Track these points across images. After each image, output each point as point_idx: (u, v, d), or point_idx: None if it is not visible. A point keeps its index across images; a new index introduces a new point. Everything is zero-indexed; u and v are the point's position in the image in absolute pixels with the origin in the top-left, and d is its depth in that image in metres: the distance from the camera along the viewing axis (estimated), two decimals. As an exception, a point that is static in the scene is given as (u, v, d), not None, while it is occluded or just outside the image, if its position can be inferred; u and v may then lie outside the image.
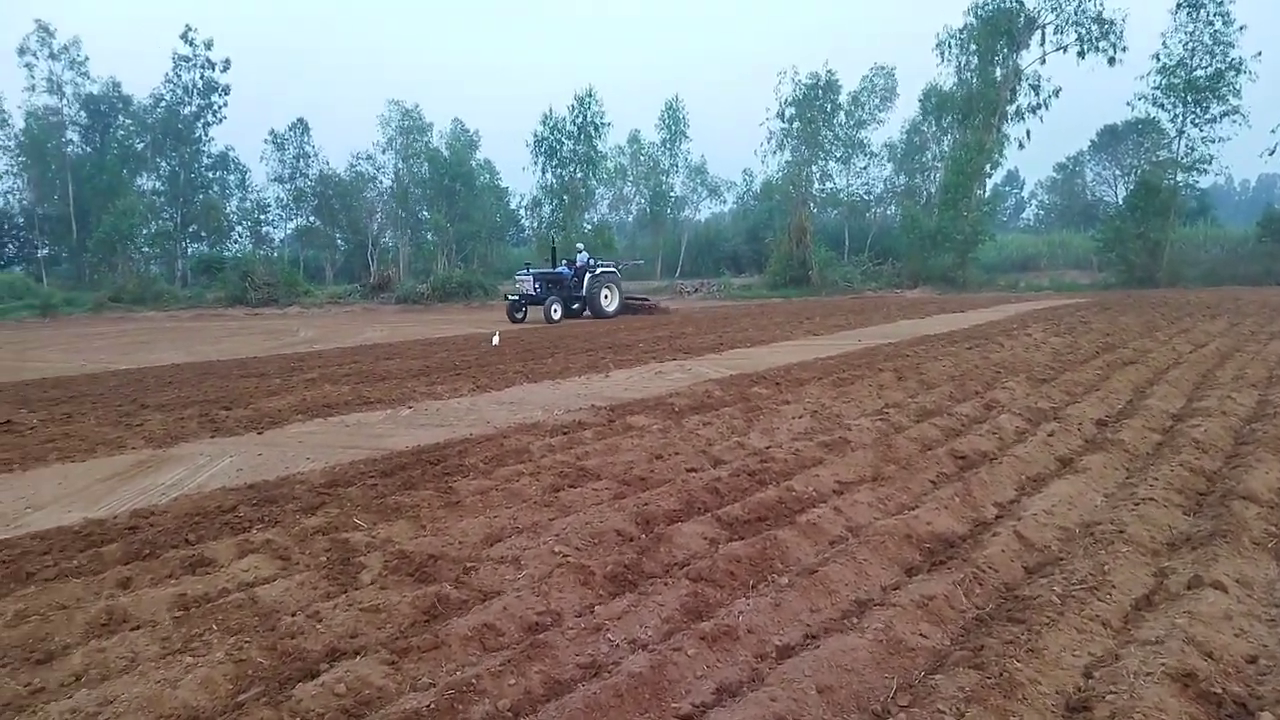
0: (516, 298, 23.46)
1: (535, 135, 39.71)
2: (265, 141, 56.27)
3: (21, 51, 44.73)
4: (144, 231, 44.64)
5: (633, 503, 5.06)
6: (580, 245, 26.67)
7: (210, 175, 53.99)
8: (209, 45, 47.74)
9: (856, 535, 4.48)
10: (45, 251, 50.15)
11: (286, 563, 4.23)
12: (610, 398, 9.37)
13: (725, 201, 65.98)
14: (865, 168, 49.39)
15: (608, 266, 25.06)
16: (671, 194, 59.11)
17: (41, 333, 25.42)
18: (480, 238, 54.49)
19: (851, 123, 46.56)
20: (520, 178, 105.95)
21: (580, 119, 39.37)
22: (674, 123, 55.75)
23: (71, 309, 33.54)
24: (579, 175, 40.53)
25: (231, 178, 56.36)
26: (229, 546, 4.43)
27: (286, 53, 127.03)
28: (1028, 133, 39.42)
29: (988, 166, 39.62)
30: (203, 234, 53.79)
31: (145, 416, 8.76)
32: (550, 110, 39.29)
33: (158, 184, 51.28)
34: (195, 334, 23.38)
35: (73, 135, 49.06)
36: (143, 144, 50.60)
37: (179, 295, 38.66)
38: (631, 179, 61.94)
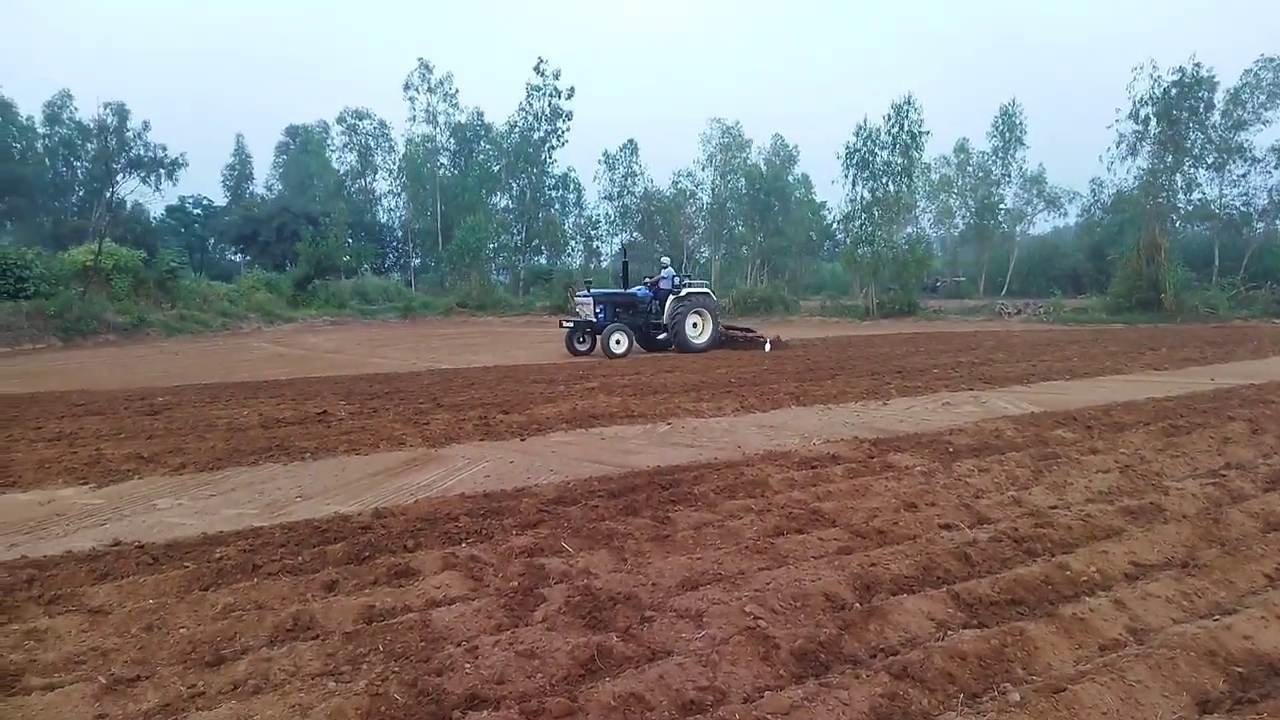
0: (572, 324, 18.90)
1: (847, 147, 38.51)
2: (599, 162, 60.70)
3: (406, 87, 52.24)
4: (491, 245, 49.96)
5: (858, 561, 4.37)
6: (665, 260, 20.98)
7: (553, 194, 59.26)
8: (557, 75, 52.36)
9: (1139, 642, 3.45)
10: (417, 261, 58.08)
11: (477, 584, 4.14)
12: (879, 429, 8.51)
13: (1066, 214, 59.57)
14: (1244, 175, 41.76)
15: (698, 287, 19.56)
16: (1001, 206, 54.61)
17: (398, 331, 29.33)
18: (791, 252, 54.23)
19: (1229, 123, 39.62)
20: (834, 191, 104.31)
21: (897, 128, 37.50)
22: (1009, 129, 51.48)
23: (427, 311, 38.41)
24: (892, 188, 38.60)
25: (570, 196, 61.49)
26: (435, 559, 4.45)
27: (618, 74, 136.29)
28: None
29: None
30: (543, 247, 59.08)
31: (434, 415, 9.48)
32: (864, 120, 37.90)
33: (509, 202, 57.32)
34: (518, 338, 25.52)
35: (443, 159, 56.37)
36: (498, 166, 56.88)
37: (514, 302, 42.74)
38: (957, 190, 58.19)
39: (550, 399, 10.81)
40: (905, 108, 37.41)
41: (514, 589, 4.04)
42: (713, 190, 55.52)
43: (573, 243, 62.18)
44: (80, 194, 52.97)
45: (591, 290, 19.19)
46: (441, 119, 54.57)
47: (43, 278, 24.10)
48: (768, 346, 18.66)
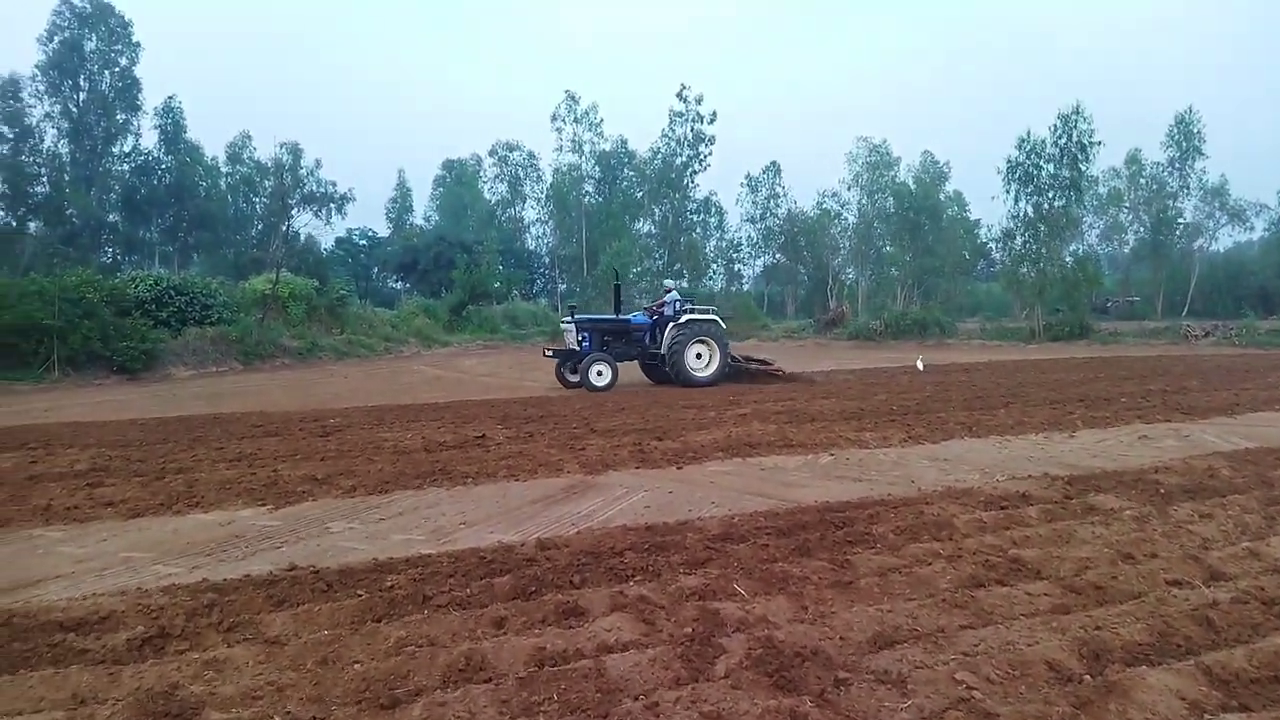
0: (553, 354, 17.34)
1: (1009, 161, 36.56)
2: (741, 185, 60.60)
3: (553, 118, 53.92)
4: (634, 269, 50.54)
5: (1079, 622, 3.83)
6: (669, 283, 18.96)
7: (694, 218, 59.51)
8: (699, 100, 52.75)
9: None
10: (563, 286, 59.55)
11: (650, 628, 3.87)
12: (1071, 465, 7.73)
13: (1252, 228, 54.45)
14: None
15: (704, 314, 17.04)
16: (1180, 220, 50.50)
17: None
18: (943, 272, 52.05)
19: None
20: (990, 208, 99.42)
21: (1064, 139, 35.29)
22: (1185, 138, 47.64)
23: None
24: (1060, 203, 36.31)
25: (712, 220, 61.56)
26: (603, 597, 4.23)
27: (760, 94, 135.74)
28: None
29: None
30: (684, 271, 59.28)
31: (589, 441, 9.39)
32: (1028, 133, 35.90)
33: (652, 227, 57.98)
34: (662, 362, 25.44)
35: (588, 187, 57.70)
36: (641, 192, 57.69)
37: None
38: (1128, 204, 54.31)
39: (703, 425, 10.53)
40: (1074, 117, 35.20)
41: (689, 636, 3.74)
42: (859, 210, 54.13)
43: (714, 266, 62.19)
44: (259, 227, 57.42)
45: (575, 316, 17.11)
46: (587, 148, 55.98)
47: (226, 305, 26.03)
48: (920, 365, 18.00)
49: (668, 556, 4.94)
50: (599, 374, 15.74)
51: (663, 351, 16.64)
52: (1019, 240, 37.96)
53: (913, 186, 53.22)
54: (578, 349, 16.40)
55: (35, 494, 6.85)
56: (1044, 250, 36.84)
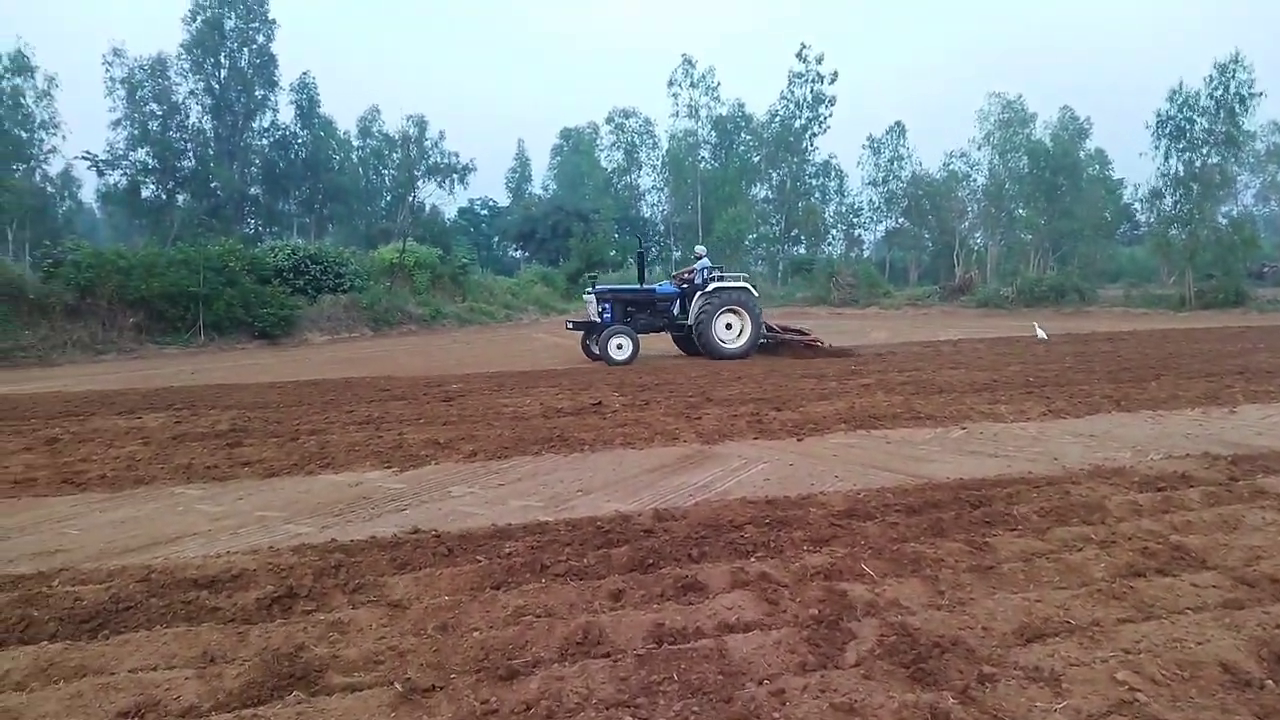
0: (574, 325, 16.84)
1: (1158, 115, 33.81)
2: (863, 147, 58.57)
3: (670, 83, 53.43)
4: (751, 235, 49.80)
5: (1255, 619, 3.42)
6: (700, 250, 17.68)
7: (813, 182, 58.07)
8: (819, 60, 51.17)
9: None
10: (678, 254, 59.35)
11: (773, 608, 3.69)
12: (1234, 443, 7.04)
13: None
14: None
15: (735, 282, 16.06)
16: (1352, 177, 45.74)
17: (662, 323, 29.86)
18: (1083, 236, 48.94)
19: None
20: (1136, 166, 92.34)
21: (1220, 91, 32.31)
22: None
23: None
24: (1214, 159, 33.39)
25: (831, 184, 59.88)
26: (723, 573, 4.07)
27: (883, 56, 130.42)
28: None
29: None
30: (802, 237, 58.04)
31: (705, 410, 9.23)
32: (1180, 84, 33.04)
33: (768, 192, 56.94)
34: (779, 330, 24.97)
35: (704, 153, 57.06)
36: (758, 157, 56.63)
37: (774, 294, 42.19)
38: (1291, 160, 49.58)
39: (824, 395, 10.19)
40: (1232, 66, 32.19)
41: (815, 619, 3.55)
42: (990, 171, 51.38)
43: (834, 231, 60.59)
44: (387, 199, 59.58)
45: (597, 286, 16.29)
46: (703, 113, 55.31)
47: (357, 274, 27.13)
48: (1040, 334, 17.10)
49: (790, 532, 4.74)
50: (619, 347, 14.98)
51: (690, 322, 15.79)
52: (1168, 200, 35.23)
53: (1049, 144, 49.99)
54: (599, 320, 15.63)
55: (179, 453, 7.24)
56: (1196, 211, 34.03)
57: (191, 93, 47.05)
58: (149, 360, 17.51)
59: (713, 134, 57.45)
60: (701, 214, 53.82)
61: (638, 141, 64.63)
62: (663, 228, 63.01)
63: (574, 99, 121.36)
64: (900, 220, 59.74)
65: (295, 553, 4.51)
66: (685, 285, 16.32)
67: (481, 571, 4.13)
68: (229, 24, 47.13)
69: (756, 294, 16.26)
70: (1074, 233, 49.15)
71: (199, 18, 46.33)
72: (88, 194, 51.35)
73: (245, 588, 4.00)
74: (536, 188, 71.97)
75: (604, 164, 66.31)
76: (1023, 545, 4.43)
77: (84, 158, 43.45)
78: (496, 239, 68.94)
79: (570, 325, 16.89)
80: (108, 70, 44.71)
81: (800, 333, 16.94)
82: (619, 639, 3.38)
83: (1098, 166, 55.47)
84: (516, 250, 62.97)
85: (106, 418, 9.14)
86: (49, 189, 46.51)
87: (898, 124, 58.06)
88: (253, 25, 47.77)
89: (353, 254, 29.55)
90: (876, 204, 59.93)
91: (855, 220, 61.76)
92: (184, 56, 46.36)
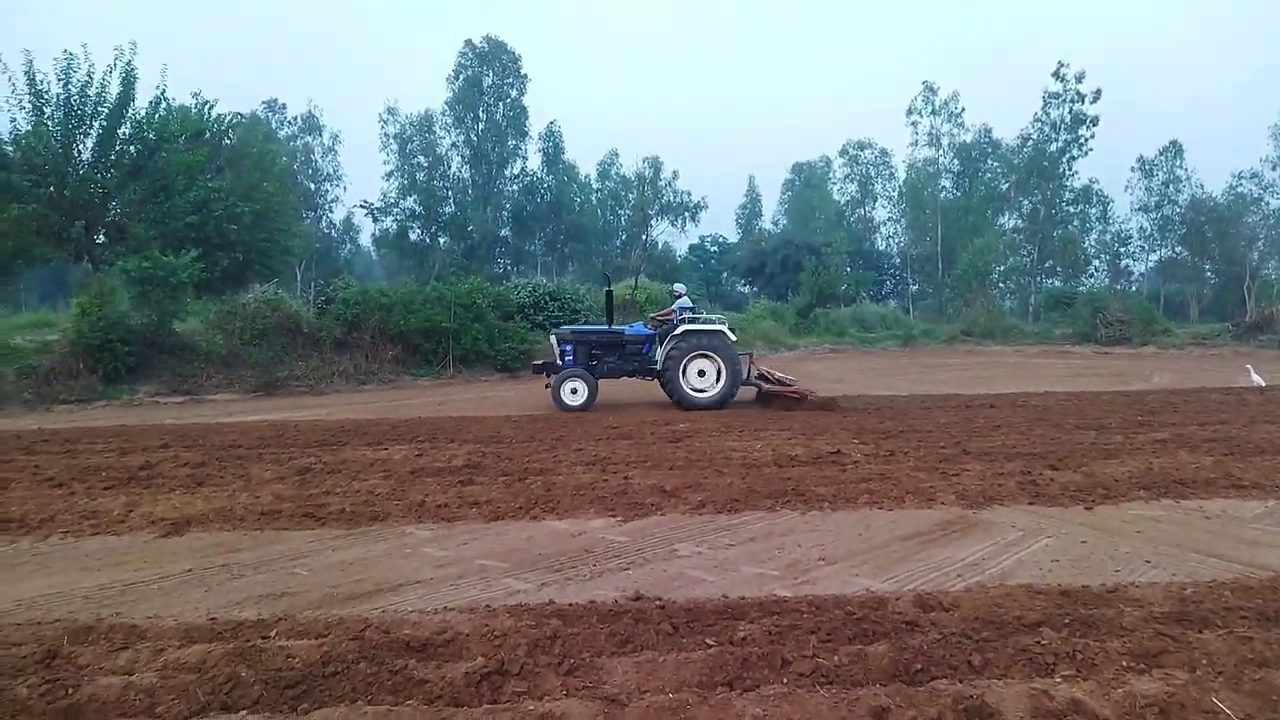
0: (538, 369, 15.30)
1: None
2: (1132, 170, 53.02)
3: (909, 111, 51.24)
4: (999, 268, 46.24)
5: None
6: (679, 288, 16.25)
7: (1070, 209, 53.16)
8: (1079, 78, 46.94)
9: None
10: (915, 287, 56.42)
11: (1096, 757, 2.77)
12: None
13: None
14: None
15: (713, 325, 14.45)
16: None
17: (897, 360, 28.13)
18: None
19: None
20: None
21: None
22: None
23: (927, 340, 36.55)
24: None
25: (1092, 210, 54.55)
26: (1019, 696, 3.17)
27: (1157, 74, 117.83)
28: None
29: None
30: (1057, 269, 53.16)
31: (963, 465, 8.09)
32: None
33: (1018, 221, 52.78)
34: (1036, 371, 22.57)
35: (945, 182, 54.00)
36: (1007, 184, 52.74)
37: (1026, 330, 38.69)
38: None
39: (1109, 452, 8.67)
40: None
41: (1163, 782, 2.59)
42: (1288, 193, 44.35)
43: (1095, 262, 54.97)
44: (622, 238, 61.52)
45: (559, 326, 15.48)
46: (945, 140, 52.39)
47: (590, 309, 27.82)
48: (1257, 380, 14.39)
49: (1101, 640, 3.72)
50: (573, 392, 13.88)
51: (659, 367, 14.45)
52: None
53: (1375, 157, 42.27)
54: (560, 364, 14.62)
55: (414, 489, 7.26)
56: None
57: (453, 145, 51.33)
58: (404, 390, 18.69)
59: (955, 161, 54.26)
60: (941, 244, 50.76)
61: (873, 173, 62.44)
62: (898, 260, 60.19)
63: (805, 136, 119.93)
64: (1177, 250, 53.09)
65: (511, 615, 4.14)
66: (662, 327, 15.09)
67: (711, 662, 3.51)
68: (487, 81, 51.02)
69: (734, 337, 14.79)
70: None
71: (461, 76, 50.54)
72: (364, 239, 57.44)
73: (457, 656, 3.64)
74: (766, 223, 71.49)
75: (836, 196, 64.63)
76: None
77: (361, 206, 48.61)
78: (725, 274, 68.99)
79: (535, 367, 15.76)
80: (382, 127, 49.91)
81: (781, 382, 14.93)
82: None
83: None
84: (745, 285, 62.59)
85: (356, 448, 9.54)
86: (332, 234, 52.44)
87: (1173, 143, 51.89)
88: (507, 81, 51.38)
89: (588, 290, 30.43)
90: (1149, 232, 53.73)
91: (1122, 250, 55.67)
92: (447, 113, 50.72)
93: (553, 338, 15.00)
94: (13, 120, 18.36)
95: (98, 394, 16.10)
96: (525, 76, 51.79)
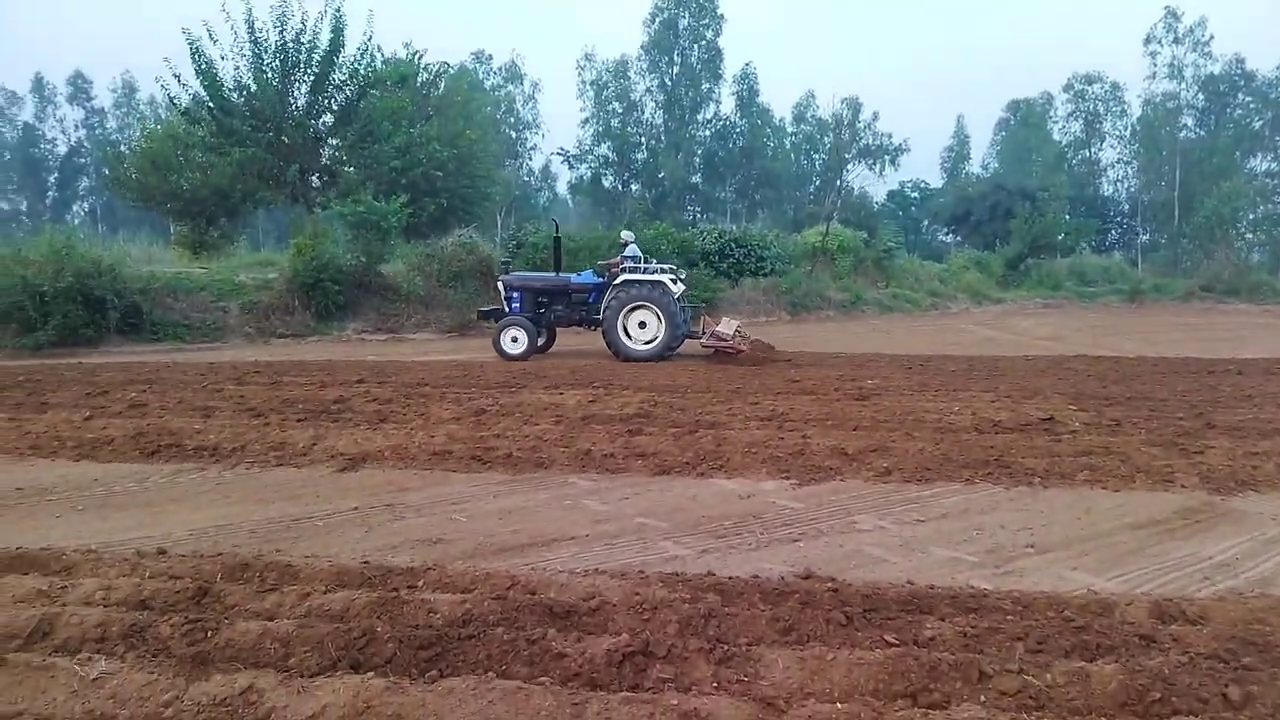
0: (482, 315, 15.11)
1: None
2: None
3: (1147, 40, 45.57)
4: (1247, 217, 40.61)
5: None
6: (626, 235, 15.38)
7: (1341, 149, 45.78)
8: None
9: None
10: (1145, 238, 50.82)
11: None
12: None
13: None
14: None
15: (660, 274, 13.83)
16: None
17: (1123, 318, 25.35)
18: None
19: None
20: None
21: None
22: None
23: (1159, 295, 32.74)
24: None
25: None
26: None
27: None
28: None
29: None
30: (1324, 219, 46.09)
31: (1208, 441, 6.87)
32: None
33: (1272, 164, 46.18)
34: (1295, 335, 19.58)
35: (1187, 119, 47.91)
36: (1261, 121, 46.14)
37: (1278, 288, 33.84)
38: None
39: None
40: None
41: None
42: None
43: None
44: (816, 183, 59.37)
45: (507, 273, 15.15)
46: (1189, 72, 46.21)
47: (779, 257, 26.91)
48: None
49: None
50: (513, 340, 13.79)
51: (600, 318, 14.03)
52: None
53: None
54: (507, 311, 14.38)
55: (583, 436, 7.05)
56: None
57: (647, 90, 51.14)
58: (584, 337, 18.83)
59: (1199, 97, 47.79)
60: (1180, 189, 45.10)
61: (1101, 110, 56.17)
62: (1126, 208, 54.21)
63: (1022, 72, 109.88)
64: None
65: (665, 584, 3.77)
66: (609, 275, 14.40)
67: (891, 665, 2.97)
68: (682, 23, 50.17)
69: (679, 289, 14.08)
70: None
71: (657, 19, 49.99)
72: (560, 186, 58.84)
73: (600, 629, 3.31)
74: (974, 167, 66.45)
75: (1057, 137, 58.84)
76: None
77: (558, 153, 49.72)
78: (926, 222, 65.05)
79: (480, 313, 15.52)
80: (579, 74, 50.46)
81: (730, 336, 13.73)
82: None
83: None
84: (948, 234, 58.70)
85: (534, 391, 9.53)
86: (531, 181, 54.04)
87: None
88: (703, 22, 50.31)
89: (776, 237, 29.43)
90: None
91: None
92: (642, 57, 50.49)
93: (500, 284, 14.98)
94: (236, 68, 19.84)
95: (311, 330, 17.36)
96: (721, 16, 50.46)
